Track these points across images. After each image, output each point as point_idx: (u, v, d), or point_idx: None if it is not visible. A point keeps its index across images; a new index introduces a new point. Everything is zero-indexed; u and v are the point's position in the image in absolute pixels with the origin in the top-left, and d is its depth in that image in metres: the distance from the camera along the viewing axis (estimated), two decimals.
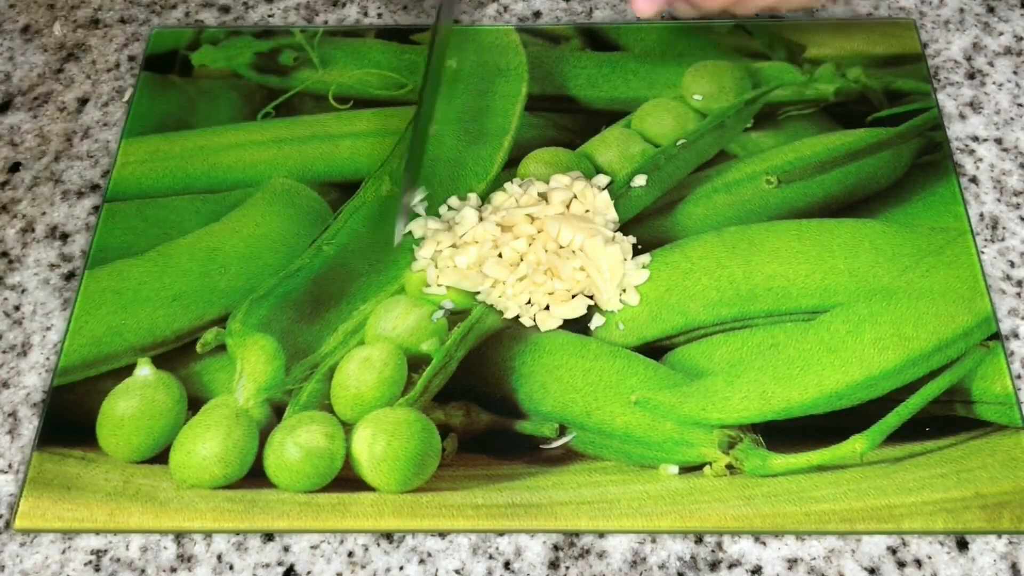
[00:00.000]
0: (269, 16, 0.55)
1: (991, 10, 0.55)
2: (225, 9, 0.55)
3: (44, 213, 0.48)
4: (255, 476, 0.39)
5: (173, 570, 0.37)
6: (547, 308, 0.43)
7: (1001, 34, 0.54)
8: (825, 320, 0.42)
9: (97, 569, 0.37)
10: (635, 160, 0.48)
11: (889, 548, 0.37)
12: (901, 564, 0.37)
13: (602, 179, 0.47)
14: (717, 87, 0.50)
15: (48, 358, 0.43)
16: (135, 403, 0.40)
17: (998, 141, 0.49)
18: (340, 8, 0.56)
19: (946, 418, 0.40)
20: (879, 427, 0.40)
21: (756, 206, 0.46)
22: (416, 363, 0.42)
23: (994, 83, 0.52)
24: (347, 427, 0.40)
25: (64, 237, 0.47)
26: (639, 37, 0.53)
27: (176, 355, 0.42)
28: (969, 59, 0.53)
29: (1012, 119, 0.50)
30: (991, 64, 0.52)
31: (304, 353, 0.42)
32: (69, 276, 0.45)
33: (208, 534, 0.38)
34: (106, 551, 0.38)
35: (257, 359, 0.42)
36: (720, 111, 0.49)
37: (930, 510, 0.37)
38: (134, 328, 0.43)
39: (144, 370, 0.42)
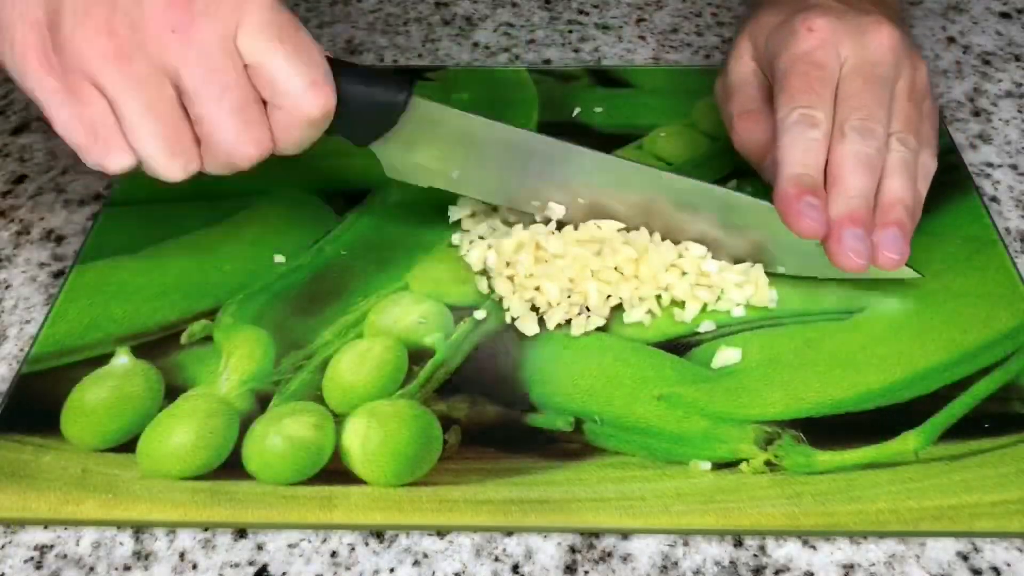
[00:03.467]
0: None
1: (987, 63, 0.53)
2: None
3: (43, 218, 0.43)
4: (232, 468, 0.32)
5: (127, 568, 0.30)
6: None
7: (1000, 81, 0.51)
8: (859, 320, 0.37)
9: (39, 567, 0.30)
10: None
11: (960, 554, 0.30)
12: (976, 572, 0.30)
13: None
14: None
15: (22, 349, 0.37)
16: (105, 390, 0.34)
17: (1013, 167, 0.46)
18: (358, 56, 0.54)
19: (1005, 415, 0.33)
20: (933, 423, 0.33)
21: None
22: (418, 357, 0.36)
23: (1000, 119, 0.49)
24: (338, 418, 0.34)
25: (59, 239, 0.42)
26: (648, 77, 0.50)
27: (159, 345, 0.36)
28: (972, 100, 0.50)
29: None
30: (995, 104, 0.50)
31: (298, 346, 0.36)
32: (58, 274, 0.40)
33: (172, 528, 0.31)
34: (52, 547, 0.30)
35: (245, 349, 0.36)
36: None
37: (1003, 511, 0.30)
38: (117, 319, 0.37)
39: (122, 359, 0.36)
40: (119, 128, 0.31)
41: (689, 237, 0.37)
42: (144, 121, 0.31)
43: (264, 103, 0.32)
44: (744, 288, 0.37)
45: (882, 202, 0.35)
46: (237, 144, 0.31)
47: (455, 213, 0.41)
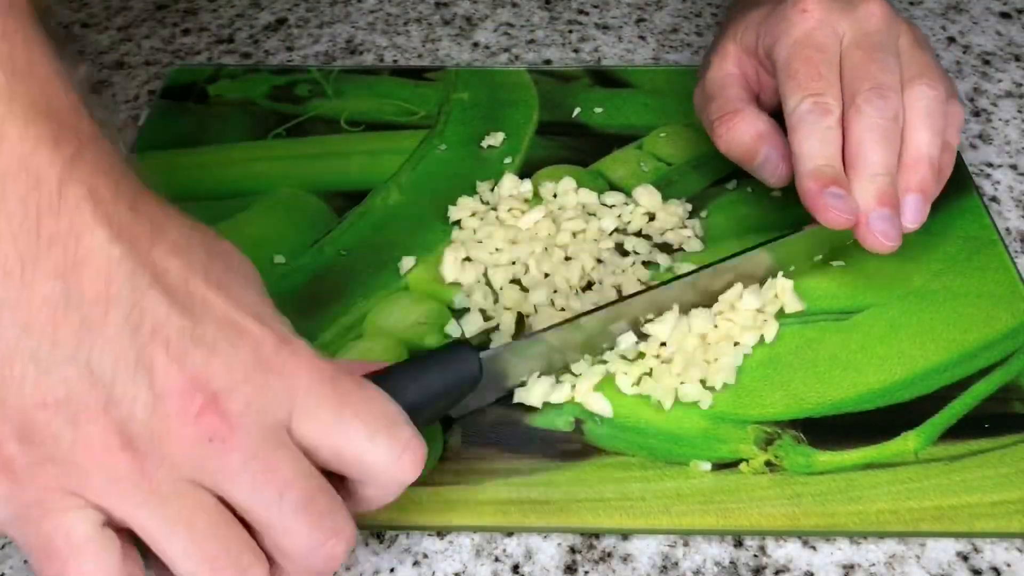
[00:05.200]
0: (288, 62, 0.53)
1: (987, 63, 0.53)
2: (247, 55, 0.54)
3: None
4: None
5: None
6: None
7: (1000, 81, 0.51)
8: (859, 320, 0.37)
9: None
10: (647, 178, 0.44)
11: (960, 554, 0.30)
12: (976, 572, 0.30)
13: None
14: None
15: None
16: None
17: (1013, 167, 0.46)
18: (358, 55, 0.54)
19: (1005, 415, 0.34)
20: (932, 423, 0.33)
21: (778, 215, 0.41)
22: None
23: (1000, 119, 0.49)
24: None
25: None
26: (648, 77, 0.50)
27: None
28: (972, 100, 0.50)
29: None
30: (995, 104, 0.50)
31: None
32: None
33: None
34: None
35: None
36: None
37: (1003, 511, 0.30)
38: None
39: None
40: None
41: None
42: (184, 539, 0.23)
43: (336, 475, 0.26)
44: (776, 301, 0.37)
45: (904, 162, 0.34)
46: (313, 545, 0.24)
47: (455, 213, 0.41)
